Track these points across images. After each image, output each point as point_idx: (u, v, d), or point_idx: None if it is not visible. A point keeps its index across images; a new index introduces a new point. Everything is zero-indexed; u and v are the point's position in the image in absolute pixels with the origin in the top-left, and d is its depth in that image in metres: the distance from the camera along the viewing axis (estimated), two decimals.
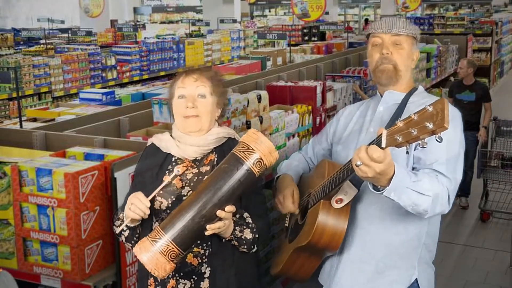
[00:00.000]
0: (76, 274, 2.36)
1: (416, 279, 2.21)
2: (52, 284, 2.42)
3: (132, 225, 2.04)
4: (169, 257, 1.83)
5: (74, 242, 2.34)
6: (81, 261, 2.36)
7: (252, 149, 1.87)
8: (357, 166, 1.80)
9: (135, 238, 2.10)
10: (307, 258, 2.27)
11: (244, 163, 1.86)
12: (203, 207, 1.85)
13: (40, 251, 2.43)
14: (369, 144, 1.80)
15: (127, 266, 2.47)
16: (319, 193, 2.18)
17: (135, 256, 2.27)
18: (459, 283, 4.59)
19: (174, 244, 1.84)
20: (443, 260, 4.87)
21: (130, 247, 2.16)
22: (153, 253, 1.83)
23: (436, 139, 1.67)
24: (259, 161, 1.87)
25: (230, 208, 1.89)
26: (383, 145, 1.74)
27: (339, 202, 2.12)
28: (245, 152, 1.87)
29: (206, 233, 1.89)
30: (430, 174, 2.00)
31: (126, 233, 2.09)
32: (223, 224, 1.91)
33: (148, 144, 2.23)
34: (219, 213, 1.87)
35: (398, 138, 1.70)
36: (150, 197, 1.97)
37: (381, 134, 1.76)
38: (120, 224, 2.07)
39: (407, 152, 1.77)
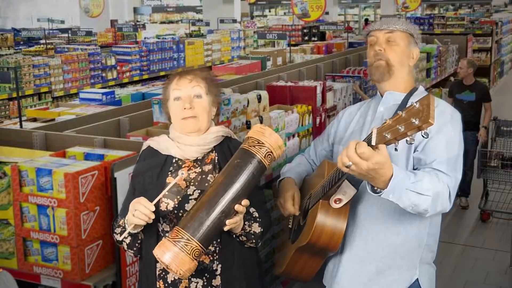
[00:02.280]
0: (76, 274, 2.36)
1: (417, 279, 2.22)
2: (52, 284, 2.42)
3: (134, 231, 2.03)
4: (193, 255, 1.84)
5: (74, 242, 2.34)
6: (81, 261, 2.36)
7: (262, 143, 1.92)
8: (347, 166, 1.81)
9: (137, 245, 2.10)
10: (308, 258, 2.28)
11: (255, 156, 1.91)
12: (222, 203, 1.88)
13: (40, 251, 2.43)
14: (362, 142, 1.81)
15: (127, 266, 2.47)
16: (318, 193, 2.19)
17: (131, 254, 2.27)
18: (459, 283, 4.59)
19: (197, 241, 1.84)
20: (443, 260, 4.87)
21: (132, 254, 2.15)
22: (177, 253, 1.82)
23: (422, 135, 1.67)
24: (269, 154, 1.93)
25: (245, 202, 1.92)
26: (373, 142, 1.75)
27: (337, 202, 2.13)
28: (256, 146, 1.92)
29: (225, 228, 1.92)
30: (430, 173, 2.00)
31: (127, 240, 2.08)
32: (239, 218, 1.95)
33: (144, 148, 2.22)
34: (237, 207, 1.90)
35: (386, 135, 1.71)
36: (154, 202, 1.95)
37: (371, 132, 1.77)
38: (121, 231, 2.06)
39: (396, 149, 1.77)
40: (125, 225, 2.05)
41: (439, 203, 1.98)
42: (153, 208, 1.93)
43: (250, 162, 1.91)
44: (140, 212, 1.92)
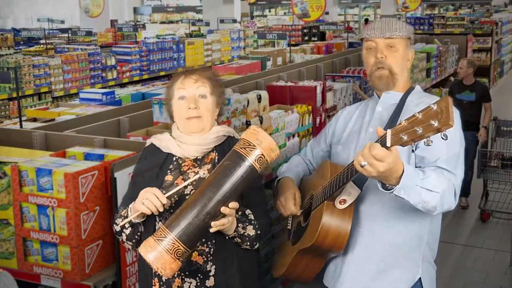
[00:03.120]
0: (76, 274, 2.36)
1: (420, 278, 2.22)
2: (52, 284, 2.42)
3: (136, 221, 2.03)
4: (175, 255, 1.84)
5: (74, 242, 2.34)
6: (81, 261, 2.36)
7: (254, 145, 1.88)
8: (362, 166, 1.81)
9: (136, 237, 2.10)
10: (310, 259, 2.27)
11: (246, 159, 1.87)
12: (208, 204, 1.86)
13: (40, 251, 2.43)
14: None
15: (127, 266, 2.47)
16: (322, 194, 2.19)
17: (135, 256, 2.27)
18: (459, 283, 4.59)
19: (179, 242, 1.84)
20: (443, 260, 4.87)
21: (130, 247, 2.15)
22: (159, 252, 1.83)
23: (442, 137, 1.69)
24: (260, 157, 1.88)
25: (233, 204, 1.90)
26: (388, 144, 1.75)
27: (342, 203, 2.13)
28: (247, 149, 1.88)
29: (211, 230, 1.90)
30: (436, 171, 2.01)
31: (127, 231, 2.08)
32: (227, 220, 1.92)
33: (147, 145, 2.24)
34: (223, 209, 1.88)
35: (403, 137, 1.71)
36: (167, 195, 1.95)
37: (385, 133, 1.77)
38: (123, 220, 2.06)
39: (413, 151, 1.78)
40: (127, 214, 2.04)
41: (446, 200, 1.99)
42: (165, 201, 1.93)
43: (239, 164, 1.87)
44: (150, 201, 1.92)
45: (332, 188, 2.11)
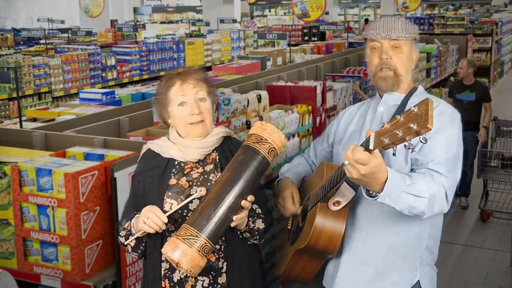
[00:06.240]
0: (76, 274, 2.36)
1: (418, 281, 2.21)
2: (52, 284, 2.42)
3: (141, 236, 2.04)
4: (203, 252, 1.85)
5: (74, 242, 2.34)
6: (81, 261, 2.36)
7: (265, 139, 1.96)
8: (344, 165, 1.81)
9: (141, 247, 2.11)
10: (308, 260, 2.27)
11: (259, 153, 1.95)
12: (229, 199, 1.90)
13: (40, 251, 2.43)
14: (360, 146, 1.80)
15: (127, 266, 2.47)
16: (317, 195, 2.18)
17: (135, 256, 2.28)
18: (459, 283, 4.59)
19: (207, 239, 1.86)
20: (443, 260, 4.86)
21: (136, 257, 2.15)
22: (187, 251, 1.83)
23: (421, 140, 1.65)
24: (272, 150, 1.96)
25: (251, 197, 1.95)
26: (371, 147, 1.73)
27: (336, 205, 2.12)
28: (259, 143, 1.96)
29: (232, 224, 1.93)
30: (425, 174, 1.99)
31: (132, 243, 2.08)
32: (245, 214, 1.96)
33: (144, 151, 2.23)
34: (243, 203, 1.92)
35: (384, 140, 1.69)
36: (167, 214, 1.96)
37: (370, 136, 1.75)
38: (127, 235, 2.06)
39: (394, 154, 1.75)
40: (130, 229, 2.05)
41: (436, 204, 1.96)
42: (166, 220, 1.94)
43: (254, 158, 1.94)
44: (152, 221, 1.93)
45: (325, 189, 2.11)
